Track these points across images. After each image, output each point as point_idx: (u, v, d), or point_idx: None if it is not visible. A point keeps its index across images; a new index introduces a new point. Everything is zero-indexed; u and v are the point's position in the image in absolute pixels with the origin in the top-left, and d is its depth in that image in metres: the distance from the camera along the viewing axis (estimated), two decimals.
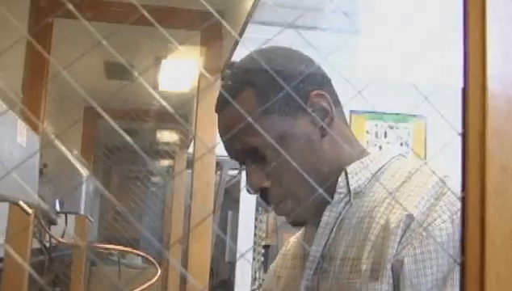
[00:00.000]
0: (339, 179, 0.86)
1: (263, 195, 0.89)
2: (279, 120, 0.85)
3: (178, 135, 3.45)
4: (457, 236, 0.75)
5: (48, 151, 2.27)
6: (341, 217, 0.86)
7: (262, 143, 0.84)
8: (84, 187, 2.22)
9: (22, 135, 1.13)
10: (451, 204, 0.77)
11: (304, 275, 0.88)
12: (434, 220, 0.76)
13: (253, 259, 3.97)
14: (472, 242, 0.26)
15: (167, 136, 3.67)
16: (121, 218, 3.92)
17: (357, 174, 0.86)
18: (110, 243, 3.03)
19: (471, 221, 0.26)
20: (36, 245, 2.29)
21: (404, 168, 0.87)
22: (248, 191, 0.88)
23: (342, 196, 0.85)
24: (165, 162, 4.05)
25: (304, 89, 0.86)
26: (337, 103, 0.90)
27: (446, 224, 0.75)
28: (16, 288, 1.53)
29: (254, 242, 3.94)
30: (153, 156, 3.93)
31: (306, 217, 0.90)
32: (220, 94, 0.91)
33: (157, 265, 2.07)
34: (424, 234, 0.75)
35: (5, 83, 1.62)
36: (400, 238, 0.76)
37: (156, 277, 2.02)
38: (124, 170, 4.37)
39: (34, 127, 1.60)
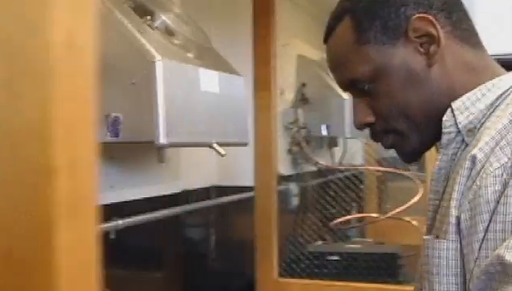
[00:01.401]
0: (444, 118, 0.73)
1: (370, 130, 0.82)
2: (376, 49, 0.76)
3: None
4: None
5: (311, 81, 2.37)
6: (456, 159, 0.73)
7: (360, 75, 0.77)
8: (346, 111, 2.26)
9: (210, 82, 1.23)
10: None
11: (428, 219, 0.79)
12: (491, 164, 0.62)
13: None
14: None
15: None
16: None
17: (468, 108, 0.72)
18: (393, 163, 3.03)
19: None
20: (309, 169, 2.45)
21: None
22: (355, 126, 0.82)
23: (452, 135, 0.73)
24: None
25: (405, 13, 0.75)
26: (456, 25, 0.76)
27: (500, 170, 0.59)
28: (266, 213, 1.69)
29: None
30: None
31: (417, 154, 0.81)
32: (326, 25, 0.85)
33: (420, 184, 2.02)
34: (478, 182, 0.62)
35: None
36: (464, 186, 0.65)
37: (416, 197, 1.98)
38: None
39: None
